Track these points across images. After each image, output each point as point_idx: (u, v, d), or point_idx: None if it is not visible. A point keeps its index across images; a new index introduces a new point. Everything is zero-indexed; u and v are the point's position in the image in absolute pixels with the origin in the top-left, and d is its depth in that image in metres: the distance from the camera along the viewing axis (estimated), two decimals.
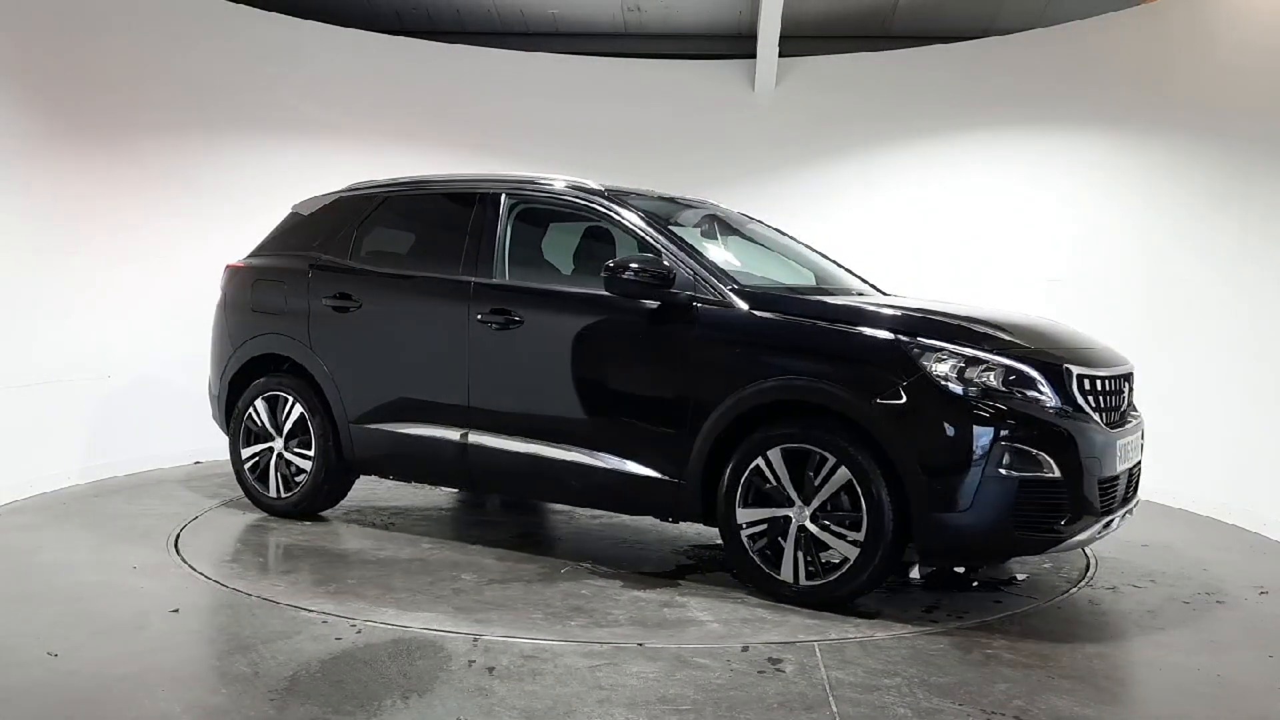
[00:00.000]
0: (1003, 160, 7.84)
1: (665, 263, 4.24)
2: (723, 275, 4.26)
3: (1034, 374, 3.80)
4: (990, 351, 3.81)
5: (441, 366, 4.74)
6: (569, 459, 4.40)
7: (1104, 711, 3.00)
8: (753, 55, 8.42)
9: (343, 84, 8.09)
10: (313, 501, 5.20)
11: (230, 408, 5.44)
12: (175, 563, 4.44)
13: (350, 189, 5.46)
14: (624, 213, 4.54)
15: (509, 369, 4.58)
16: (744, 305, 4.12)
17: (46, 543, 4.76)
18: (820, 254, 5.40)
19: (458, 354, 4.66)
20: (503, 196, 4.83)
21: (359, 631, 3.55)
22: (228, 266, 5.67)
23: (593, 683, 3.12)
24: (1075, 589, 4.32)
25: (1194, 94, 6.72)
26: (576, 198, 4.71)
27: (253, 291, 5.43)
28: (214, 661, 3.21)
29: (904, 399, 3.74)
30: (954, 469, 3.66)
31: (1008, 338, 3.94)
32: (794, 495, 3.90)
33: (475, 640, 3.48)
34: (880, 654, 3.42)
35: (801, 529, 3.89)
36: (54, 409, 6.07)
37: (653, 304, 4.23)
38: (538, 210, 4.99)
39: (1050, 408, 3.78)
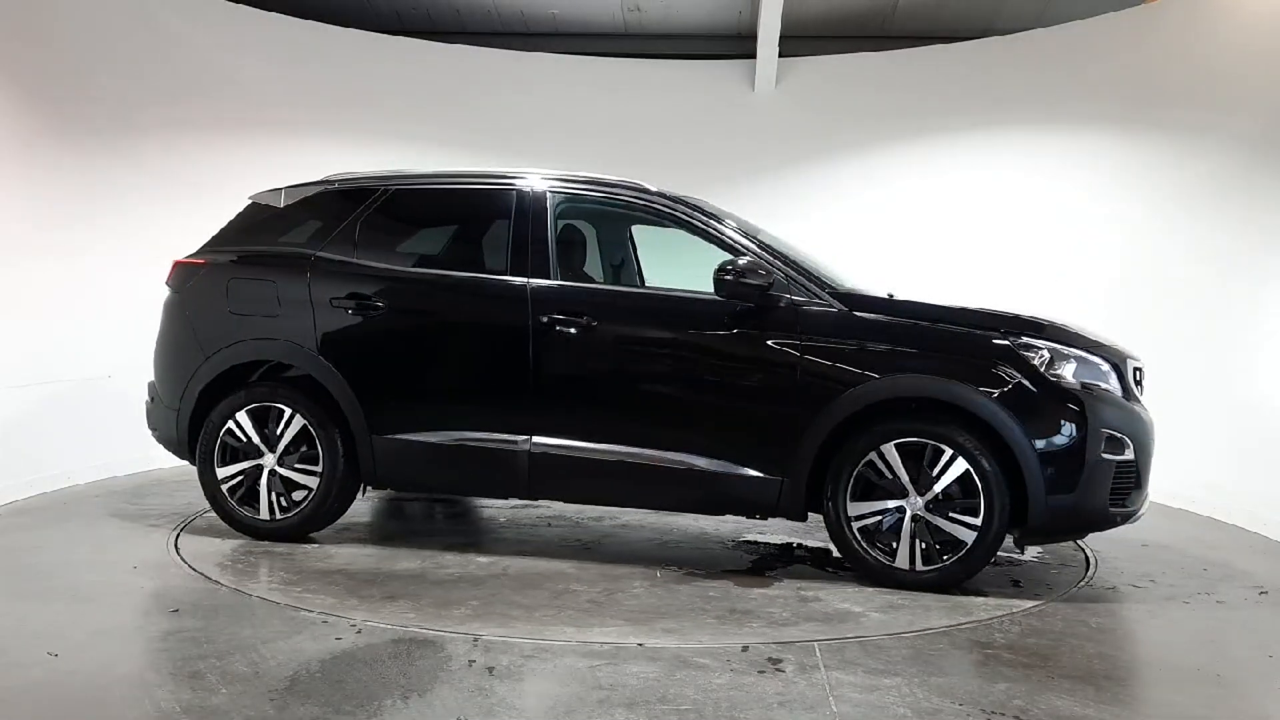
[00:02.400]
0: (1003, 159, 7.85)
1: (765, 266, 4.30)
2: (815, 277, 4.39)
3: (1107, 367, 4.26)
4: (1081, 349, 4.24)
5: (496, 372, 4.54)
6: (658, 462, 4.36)
7: (1104, 712, 3.00)
8: (753, 55, 8.43)
9: (343, 84, 8.09)
10: (314, 522, 4.76)
11: (196, 423, 4.83)
12: (175, 563, 4.44)
13: (333, 180, 5.03)
14: (700, 215, 4.56)
15: (583, 372, 4.49)
16: (842, 306, 4.30)
17: (46, 543, 4.75)
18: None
19: (517, 358, 4.46)
20: (547, 195, 4.66)
21: (359, 632, 3.55)
22: (179, 263, 5.04)
23: (593, 683, 3.12)
24: (1075, 589, 4.32)
25: (1193, 94, 6.72)
26: (636, 198, 4.66)
27: (229, 291, 4.85)
28: (214, 661, 3.21)
29: (1021, 393, 4.07)
30: (1068, 456, 4.05)
31: (1085, 336, 4.34)
32: (909, 487, 4.10)
33: (475, 640, 3.48)
34: (880, 654, 3.42)
35: (916, 518, 4.12)
36: (54, 409, 6.07)
37: (749, 305, 4.29)
38: (587, 210, 4.94)
39: (1121, 397, 4.25)
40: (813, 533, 5.14)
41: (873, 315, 4.28)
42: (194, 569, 4.32)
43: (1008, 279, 7.27)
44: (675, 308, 4.49)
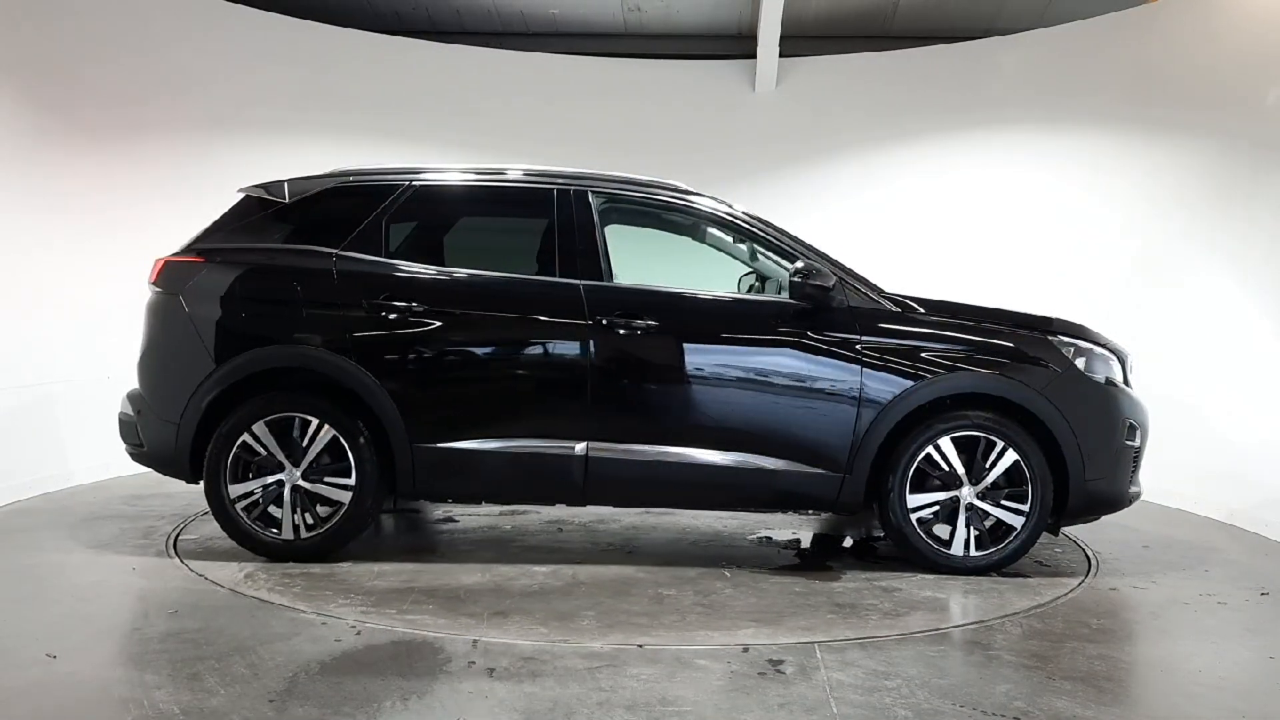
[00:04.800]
0: (1003, 159, 7.84)
1: (828, 268, 4.46)
2: (866, 280, 4.56)
3: (1115, 362, 4.60)
4: (1101, 346, 4.58)
5: (550, 377, 4.45)
6: (723, 463, 4.41)
7: (1104, 712, 2.99)
8: (753, 55, 8.42)
9: (343, 84, 8.09)
10: (340, 539, 4.46)
11: (199, 437, 4.44)
12: (175, 563, 4.43)
13: (346, 174, 4.79)
14: (748, 217, 4.68)
15: (645, 375, 4.50)
16: (895, 307, 4.49)
17: (47, 543, 4.75)
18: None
19: (574, 364, 4.38)
20: (589, 195, 4.63)
21: (358, 633, 3.54)
22: (170, 262, 4.60)
23: (593, 684, 3.11)
24: (1076, 590, 4.32)
25: (1194, 94, 6.71)
26: (674, 198, 4.74)
27: (240, 292, 4.50)
28: (213, 662, 3.21)
29: (1062, 388, 4.39)
30: (1102, 444, 4.41)
31: (1094, 332, 4.64)
32: (964, 477, 4.37)
33: (475, 642, 3.47)
34: (881, 655, 3.42)
35: (970, 506, 4.40)
36: (54, 409, 6.06)
37: (808, 307, 4.42)
38: (627, 211, 4.96)
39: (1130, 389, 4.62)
40: (779, 525, 5.42)
41: (924, 315, 4.51)
42: (193, 569, 4.32)
43: (1008, 278, 7.26)
44: (736, 309, 4.59)
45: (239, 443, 4.40)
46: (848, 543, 5.17)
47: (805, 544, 5.11)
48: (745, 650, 3.44)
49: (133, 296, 6.55)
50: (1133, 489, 4.57)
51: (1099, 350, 4.55)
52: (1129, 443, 4.47)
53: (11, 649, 3.36)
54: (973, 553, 4.42)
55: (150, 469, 4.66)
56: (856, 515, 4.84)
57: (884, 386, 4.37)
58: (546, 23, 9.16)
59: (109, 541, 4.81)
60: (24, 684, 3.05)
